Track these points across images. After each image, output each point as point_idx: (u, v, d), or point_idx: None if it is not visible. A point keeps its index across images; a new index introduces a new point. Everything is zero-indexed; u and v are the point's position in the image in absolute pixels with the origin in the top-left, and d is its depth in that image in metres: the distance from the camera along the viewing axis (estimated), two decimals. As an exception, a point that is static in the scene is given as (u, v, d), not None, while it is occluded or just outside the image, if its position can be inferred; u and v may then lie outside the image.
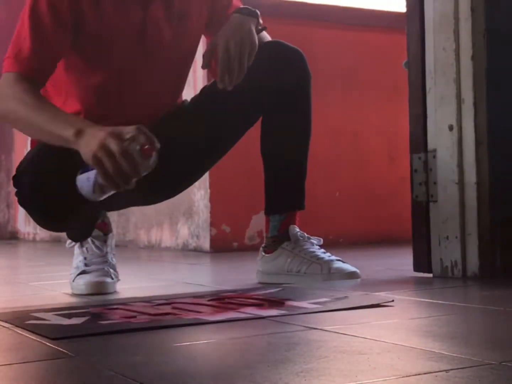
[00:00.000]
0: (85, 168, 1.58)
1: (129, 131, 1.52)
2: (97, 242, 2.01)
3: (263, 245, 2.10)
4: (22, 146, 6.13)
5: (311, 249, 2.02)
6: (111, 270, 1.99)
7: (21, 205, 1.80)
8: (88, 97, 1.88)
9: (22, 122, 1.73)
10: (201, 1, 1.94)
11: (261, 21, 1.93)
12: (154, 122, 1.92)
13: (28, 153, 1.86)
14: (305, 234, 2.05)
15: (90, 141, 1.53)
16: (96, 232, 2.03)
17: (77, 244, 2.03)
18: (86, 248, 2.01)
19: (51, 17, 1.76)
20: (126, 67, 1.87)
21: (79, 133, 1.57)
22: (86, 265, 1.98)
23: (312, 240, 2.05)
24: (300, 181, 2.06)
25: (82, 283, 1.92)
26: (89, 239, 2.02)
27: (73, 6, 1.78)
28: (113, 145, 1.50)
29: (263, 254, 2.08)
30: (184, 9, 1.90)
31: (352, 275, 1.98)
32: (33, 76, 1.75)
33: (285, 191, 2.05)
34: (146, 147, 1.50)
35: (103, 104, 1.88)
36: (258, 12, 1.93)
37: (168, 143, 1.93)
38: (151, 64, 1.88)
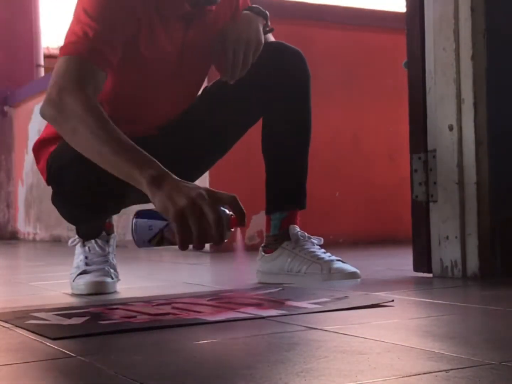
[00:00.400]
0: (144, 213, 1.45)
1: (226, 198, 1.41)
2: (100, 242, 2.02)
3: (262, 245, 2.11)
4: (22, 146, 6.14)
5: (312, 249, 2.02)
6: (112, 270, 1.99)
7: (57, 200, 1.79)
8: (110, 101, 1.84)
9: (81, 136, 1.54)
10: (226, 15, 1.95)
11: (269, 22, 1.96)
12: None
13: (59, 149, 1.79)
14: (306, 233, 2.05)
15: (176, 195, 1.38)
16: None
17: (79, 243, 2.03)
18: (89, 247, 2.01)
19: (120, 7, 1.70)
20: (157, 84, 1.87)
21: (156, 180, 1.40)
22: (87, 264, 1.98)
23: (312, 240, 2.05)
24: (301, 180, 2.07)
25: (82, 283, 1.92)
26: (92, 241, 2.02)
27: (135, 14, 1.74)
28: (208, 208, 1.36)
29: (263, 254, 2.09)
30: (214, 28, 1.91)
31: (352, 275, 1.98)
32: (97, 62, 1.64)
33: (286, 190, 2.06)
34: (233, 217, 1.43)
35: (121, 111, 1.85)
36: (268, 14, 1.97)
37: (170, 140, 1.94)
38: (179, 80, 1.90)
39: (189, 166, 2.03)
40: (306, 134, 2.06)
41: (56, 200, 1.86)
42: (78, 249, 2.04)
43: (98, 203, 1.80)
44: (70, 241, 2.08)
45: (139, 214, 1.45)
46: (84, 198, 1.77)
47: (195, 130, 1.99)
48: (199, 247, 1.39)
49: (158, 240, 1.44)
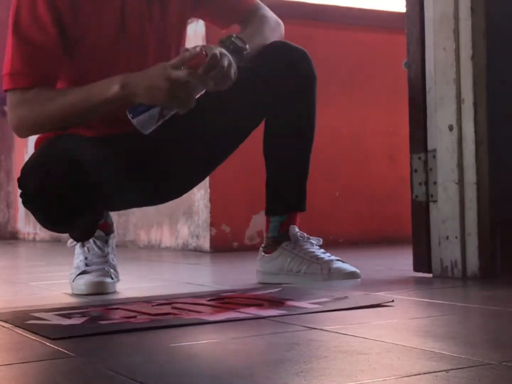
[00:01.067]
0: (134, 109, 1.67)
1: (182, 57, 1.70)
2: (98, 242, 2.02)
3: (263, 245, 2.11)
4: (22, 146, 6.13)
5: (311, 249, 2.02)
6: (112, 270, 1.99)
7: (26, 206, 1.77)
8: None
9: (57, 114, 1.75)
10: None
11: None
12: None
13: (33, 154, 1.83)
14: (305, 234, 2.05)
15: (150, 83, 1.67)
16: (98, 232, 2.02)
17: (78, 244, 2.03)
18: (87, 248, 2.01)
19: (34, 24, 1.77)
20: (110, 61, 1.85)
21: (125, 86, 1.66)
22: (86, 265, 1.98)
23: (311, 240, 2.05)
24: (302, 183, 2.06)
25: (82, 283, 1.92)
26: (90, 239, 2.02)
27: (50, 8, 1.77)
28: (181, 72, 1.66)
29: (263, 254, 2.09)
30: None
31: (352, 275, 1.98)
32: (42, 83, 1.77)
33: (286, 192, 2.05)
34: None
35: None
36: (247, 47, 1.86)
37: (173, 143, 1.93)
38: (136, 55, 1.87)
39: (192, 169, 2.02)
40: (309, 137, 2.05)
41: (26, 206, 1.79)
42: (78, 249, 2.04)
43: (60, 208, 1.74)
44: (69, 242, 2.08)
45: (133, 114, 1.66)
46: (48, 204, 1.73)
47: (197, 134, 1.98)
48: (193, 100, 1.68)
49: (160, 119, 1.70)
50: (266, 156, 2.08)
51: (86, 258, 2.00)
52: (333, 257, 2.02)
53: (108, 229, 2.07)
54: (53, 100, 1.74)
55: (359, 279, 1.98)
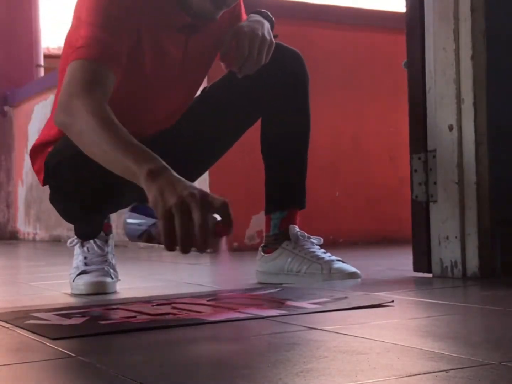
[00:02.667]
0: (138, 208, 1.42)
1: (217, 203, 1.30)
2: (98, 242, 2.02)
3: (262, 245, 2.11)
4: (22, 146, 6.13)
5: (312, 249, 2.02)
6: (111, 270, 1.99)
7: (55, 197, 1.80)
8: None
9: (86, 137, 1.53)
10: (226, 25, 1.92)
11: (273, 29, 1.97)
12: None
13: (59, 146, 1.80)
14: (305, 233, 2.06)
15: (168, 191, 1.31)
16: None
17: (78, 244, 2.03)
18: (87, 248, 2.01)
19: (124, 11, 1.69)
20: (158, 90, 1.86)
21: (153, 174, 1.36)
22: (86, 264, 1.98)
23: (312, 240, 2.05)
24: (301, 180, 2.07)
25: (82, 283, 1.93)
26: (91, 241, 2.02)
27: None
28: (195, 210, 1.27)
29: (262, 254, 2.09)
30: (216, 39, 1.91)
31: (352, 276, 1.98)
32: (109, 63, 1.63)
33: (286, 189, 2.06)
34: (221, 226, 1.31)
35: (118, 114, 1.86)
36: (274, 20, 1.97)
37: (171, 141, 1.94)
38: (179, 86, 1.90)
39: (188, 167, 2.03)
40: (305, 134, 2.06)
41: (54, 198, 1.86)
42: (77, 249, 2.04)
43: (95, 200, 1.79)
44: (69, 242, 2.08)
45: (133, 209, 1.42)
46: (82, 194, 1.77)
47: (194, 132, 1.99)
48: (184, 250, 1.30)
49: (146, 237, 1.39)
50: (263, 154, 2.09)
51: (85, 258, 2.00)
52: (333, 257, 2.02)
53: (108, 229, 2.07)
54: (92, 134, 1.52)
55: (359, 279, 1.98)
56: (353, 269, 2.00)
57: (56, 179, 1.81)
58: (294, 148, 2.06)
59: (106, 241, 2.04)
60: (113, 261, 2.04)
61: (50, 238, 5.59)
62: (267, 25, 1.90)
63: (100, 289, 1.91)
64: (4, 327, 1.39)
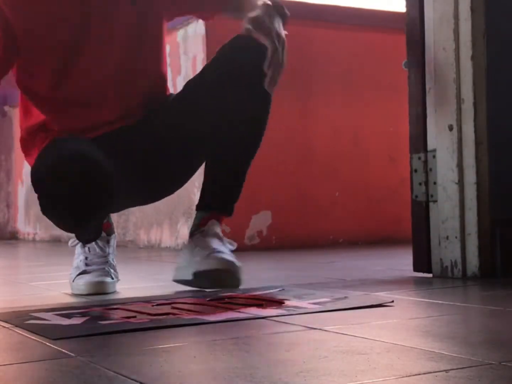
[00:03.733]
0: None
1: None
2: (100, 243, 2.02)
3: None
4: (22, 146, 6.14)
5: (212, 243, 1.94)
6: (112, 270, 1.99)
7: (45, 211, 1.74)
8: (47, 80, 1.88)
9: None
10: None
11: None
12: (140, 115, 1.96)
13: (41, 155, 1.83)
14: (221, 234, 2.00)
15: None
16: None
17: (79, 244, 2.03)
18: (88, 248, 2.01)
19: None
20: (76, 53, 1.87)
21: None
22: (86, 265, 1.98)
23: (224, 241, 1.99)
24: (234, 187, 2.05)
25: (82, 283, 1.92)
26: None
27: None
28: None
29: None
30: None
31: (227, 264, 1.90)
32: None
33: (215, 193, 2.03)
34: None
35: (72, 95, 1.90)
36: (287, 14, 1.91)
37: (157, 137, 1.94)
38: (105, 48, 1.88)
39: (178, 162, 2.01)
40: (254, 146, 2.01)
41: (43, 207, 1.77)
42: (78, 249, 2.04)
43: (81, 210, 1.73)
44: (70, 242, 2.08)
45: None
46: (67, 204, 1.71)
47: (179, 124, 1.97)
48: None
49: None
50: (206, 149, 2.01)
51: (86, 258, 2.00)
52: (228, 254, 1.94)
53: (109, 230, 2.07)
54: None
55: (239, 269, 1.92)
56: (231, 259, 1.92)
57: (39, 197, 1.74)
58: (241, 158, 2.01)
59: (107, 242, 2.04)
60: (114, 262, 2.04)
61: (50, 238, 5.59)
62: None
63: (100, 289, 1.90)
64: (4, 327, 1.39)
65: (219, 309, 1.50)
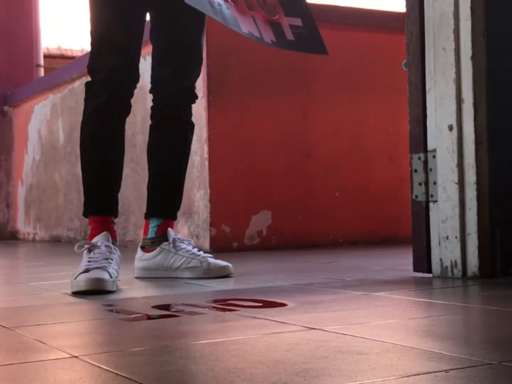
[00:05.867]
0: None
1: None
2: (107, 247, 2.09)
3: (140, 245, 2.37)
4: (22, 146, 6.14)
5: (188, 248, 2.30)
6: (111, 269, 2.00)
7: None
8: None
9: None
10: None
11: None
12: None
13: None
14: (181, 236, 2.34)
15: None
16: (110, 240, 2.13)
17: (86, 250, 2.07)
18: (94, 253, 2.05)
19: None
20: None
21: None
22: (88, 264, 2.00)
23: (185, 241, 2.32)
24: (178, 194, 2.40)
25: (82, 279, 1.93)
26: (100, 244, 2.07)
27: None
28: None
29: (143, 253, 2.34)
30: None
31: (226, 269, 2.26)
32: None
33: (164, 201, 2.36)
34: None
35: None
36: None
37: None
38: None
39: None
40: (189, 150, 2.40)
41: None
42: (85, 254, 2.07)
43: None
44: (77, 246, 2.10)
45: None
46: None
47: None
48: None
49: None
50: (149, 157, 2.39)
51: (90, 259, 2.03)
52: (206, 254, 2.30)
53: (116, 239, 2.20)
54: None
55: (231, 273, 2.25)
56: (225, 263, 2.27)
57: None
58: (183, 161, 2.38)
59: (116, 246, 2.15)
60: (117, 264, 2.07)
61: (50, 238, 5.59)
62: None
63: (98, 286, 1.91)
64: (4, 327, 1.39)
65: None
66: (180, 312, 1.47)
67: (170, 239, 2.29)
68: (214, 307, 1.53)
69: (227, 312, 1.46)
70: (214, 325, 1.34)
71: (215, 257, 2.30)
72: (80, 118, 2.29)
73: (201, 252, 2.30)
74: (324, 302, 1.59)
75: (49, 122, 5.48)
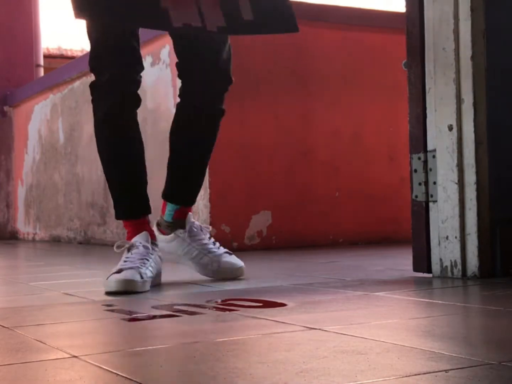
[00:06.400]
0: None
1: None
2: (145, 247, 2.06)
3: (157, 221, 2.28)
4: (22, 146, 6.13)
5: (204, 241, 2.21)
6: (144, 270, 1.98)
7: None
8: None
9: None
10: None
11: None
12: None
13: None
14: (198, 223, 2.24)
15: None
16: (148, 239, 2.09)
17: (125, 250, 2.06)
18: (132, 252, 2.04)
19: None
20: None
21: None
22: (124, 263, 1.99)
23: (203, 229, 2.24)
24: (199, 182, 2.29)
25: (113, 280, 1.92)
26: (138, 243, 2.05)
27: None
28: None
29: (158, 232, 2.25)
30: None
31: (238, 271, 2.18)
32: None
33: (184, 188, 2.25)
34: None
35: None
36: None
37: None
38: None
39: None
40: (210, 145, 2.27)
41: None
42: (124, 254, 2.06)
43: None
44: (116, 246, 2.09)
45: None
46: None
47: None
48: None
49: None
50: (172, 144, 2.25)
51: (126, 259, 2.02)
52: (222, 250, 2.20)
53: (155, 239, 2.17)
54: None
55: (243, 275, 2.17)
56: (239, 264, 2.18)
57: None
58: (199, 155, 2.24)
59: (155, 245, 2.12)
60: (155, 264, 2.05)
61: (50, 238, 5.59)
62: None
63: (127, 287, 1.90)
64: (4, 327, 1.38)
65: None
66: (180, 312, 1.47)
67: (187, 227, 2.22)
68: (214, 307, 1.53)
69: (227, 312, 1.46)
70: (214, 325, 1.34)
71: (231, 254, 2.22)
72: (80, 118, 2.30)
73: (217, 246, 2.22)
74: (324, 302, 1.59)
75: (49, 122, 5.48)
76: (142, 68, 2.17)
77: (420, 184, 2.07)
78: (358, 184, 4.02)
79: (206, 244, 2.20)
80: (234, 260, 2.20)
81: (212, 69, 2.13)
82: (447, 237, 2.01)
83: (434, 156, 2.04)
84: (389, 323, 1.31)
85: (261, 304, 1.54)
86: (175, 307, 1.55)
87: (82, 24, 2.14)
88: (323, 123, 3.91)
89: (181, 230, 2.22)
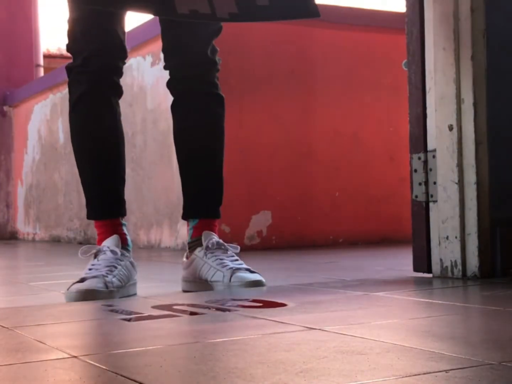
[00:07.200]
0: None
1: None
2: (113, 252, 1.90)
3: (185, 254, 2.04)
4: (22, 146, 6.14)
5: (221, 257, 1.93)
6: (110, 278, 1.81)
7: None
8: None
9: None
10: None
11: None
12: None
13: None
14: (221, 241, 1.97)
15: None
16: (118, 245, 1.94)
17: (92, 256, 1.90)
18: (98, 260, 1.87)
19: None
20: None
21: None
22: (89, 271, 1.83)
23: (227, 247, 1.96)
24: (215, 190, 2.05)
25: (74, 290, 1.77)
26: (105, 249, 1.89)
27: None
28: None
29: (184, 260, 2.02)
30: None
31: (253, 284, 1.85)
32: None
33: (198, 199, 2.03)
34: None
35: None
36: None
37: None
38: None
39: None
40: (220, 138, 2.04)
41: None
42: (90, 260, 1.90)
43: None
44: (80, 252, 1.91)
45: None
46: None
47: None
48: None
49: None
50: (176, 149, 2.05)
51: (92, 266, 1.86)
52: (242, 266, 1.90)
53: (127, 243, 2.00)
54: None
55: (264, 287, 1.86)
56: (256, 278, 1.87)
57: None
58: (216, 155, 2.04)
59: (127, 250, 1.95)
60: (125, 271, 1.87)
61: (50, 238, 5.59)
62: None
63: (89, 298, 1.74)
64: (4, 327, 1.38)
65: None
66: (180, 312, 1.47)
67: (204, 245, 1.94)
68: (214, 307, 1.53)
69: (227, 312, 1.46)
70: (214, 325, 1.34)
71: (253, 272, 1.90)
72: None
73: (236, 263, 1.91)
74: (324, 302, 1.59)
75: (49, 122, 5.48)
76: (125, 55, 1.98)
77: (420, 184, 2.07)
78: (358, 184, 4.02)
79: (222, 259, 1.92)
80: (250, 275, 1.88)
81: (189, 52, 1.98)
82: (447, 237, 2.01)
83: (434, 156, 2.04)
84: (389, 323, 1.31)
85: (261, 304, 1.54)
86: (175, 307, 1.55)
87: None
88: (323, 123, 3.91)
89: (199, 248, 1.96)
